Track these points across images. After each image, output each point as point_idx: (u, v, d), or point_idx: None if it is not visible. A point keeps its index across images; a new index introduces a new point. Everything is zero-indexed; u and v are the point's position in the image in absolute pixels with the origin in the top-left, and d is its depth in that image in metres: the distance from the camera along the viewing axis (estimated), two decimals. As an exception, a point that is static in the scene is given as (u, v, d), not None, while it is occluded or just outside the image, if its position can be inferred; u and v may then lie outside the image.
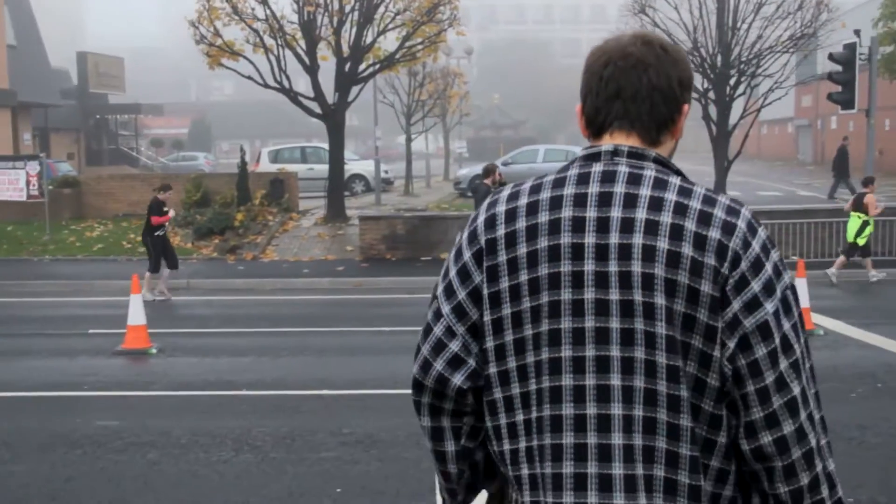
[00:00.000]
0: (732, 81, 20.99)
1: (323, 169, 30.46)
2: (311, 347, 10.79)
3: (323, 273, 17.23)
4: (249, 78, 20.34)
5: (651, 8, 20.91)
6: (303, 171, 28.09)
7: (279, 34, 19.79)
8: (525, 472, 1.63)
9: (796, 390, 1.56)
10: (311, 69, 20.25)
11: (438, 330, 1.70)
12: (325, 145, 31.71)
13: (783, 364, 1.55)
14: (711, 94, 21.09)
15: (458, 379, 1.68)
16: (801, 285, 11.20)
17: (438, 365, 1.69)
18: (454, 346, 1.68)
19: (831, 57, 16.77)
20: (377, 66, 20.87)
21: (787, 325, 1.56)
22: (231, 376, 9.22)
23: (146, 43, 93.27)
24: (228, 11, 19.40)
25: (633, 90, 1.66)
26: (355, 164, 30.80)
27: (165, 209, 14.43)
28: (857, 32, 16.43)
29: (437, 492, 1.95)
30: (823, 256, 17.25)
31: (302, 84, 21.73)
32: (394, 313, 13.51)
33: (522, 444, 1.63)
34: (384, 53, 21.45)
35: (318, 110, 20.97)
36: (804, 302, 11.13)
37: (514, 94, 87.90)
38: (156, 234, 14.41)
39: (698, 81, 21.41)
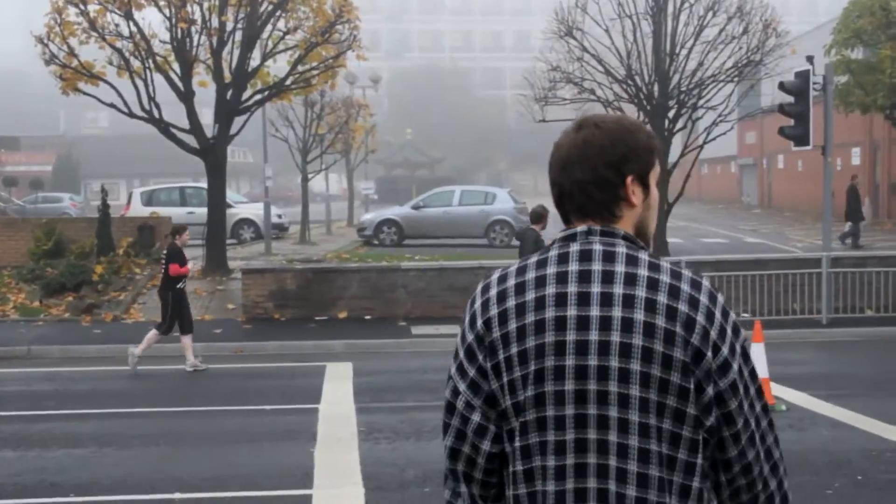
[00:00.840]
0: (671, 114, 20.79)
1: (204, 213, 29.50)
2: (169, 434, 9.73)
3: (196, 337, 16.04)
4: (112, 106, 19.28)
5: (579, 31, 20.65)
6: (181, 216, 26.90)
7: (147, 55, 18.81)
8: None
9: (757, 434, 2.08)
10: (186, 96, 19.31)
11: (460, 405, 2.14)
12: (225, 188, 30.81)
13: (748, 411, 2.05)
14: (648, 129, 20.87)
15: (485, 445, 2.12)
16: (759, 351, 10.66)
17: (470, 434, 2.12)
18: (476, 417, 2.12)
19: (782, 86, 16.60)
20: (265, 94, 20.02)
21: (753, 386, 2.08)
22: (58, 476, 8.12)
23: (8, 64, 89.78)
24: (85, 27, 18.37)
25: (569, 189, 2.13)
26: (244, 208, 29.77)
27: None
28: (810, 59, 16.31)
29: None
30: (779, 314, 16.92)
31: (177, 114, 20.74)
32: (278, 387, 12.53)
33: (522, 490, 2.09)
34: (273, 79, 20.66)
35: (195, 144, 19.98)
36: (762, 372, 10.59)
37: (430, 128, 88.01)
38: (177, 286, 13.52)
39: (633, 113, 21.16)
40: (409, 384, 12.53)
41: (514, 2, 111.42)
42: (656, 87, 20.60)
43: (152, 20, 19.30)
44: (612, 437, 2.00)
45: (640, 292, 2.01)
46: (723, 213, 51.69)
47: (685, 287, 2.02)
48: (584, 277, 2.05)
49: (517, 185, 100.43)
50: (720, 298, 2.06)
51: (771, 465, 2.12)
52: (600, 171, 2.10)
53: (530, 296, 2.07)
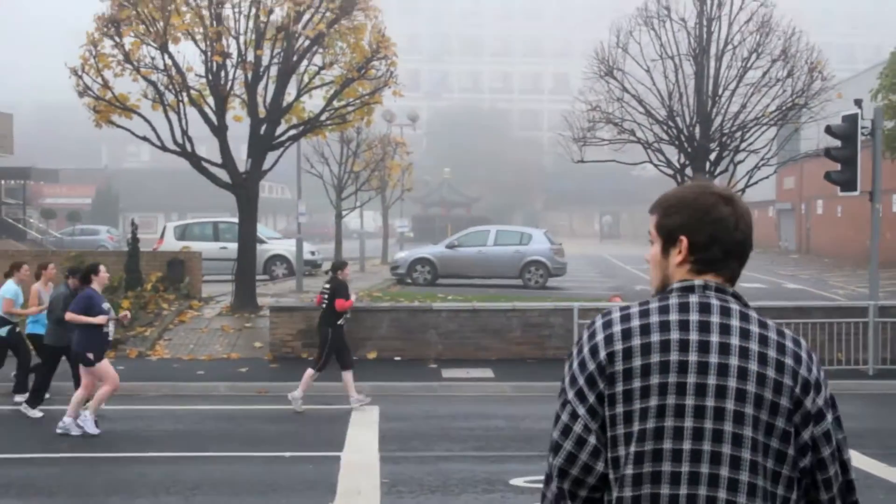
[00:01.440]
0: (713, 156, 20.16)
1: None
2: (179, 482, 9.18)
3: (221, 376, 15.64)
4: (145, 139, 19.01)
5: (620, 71, 20.12)
6: (213, 251, 26.65)
7: (181, 88, 18.53)
8: None
9: (838, 477, 2.35)
10: (219, 130, 18.99)
11: (578, 428, 2.33)
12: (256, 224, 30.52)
13: (833, 454, 2.32)
14: (689, 171, 20.21)
15: (600, 466, 2.32)
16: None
17: (583, 456, 2.32)
18: (592, 440, 2.31)
19: (829, 130, 15.96)
20: (300, 129, 19.66)
21: (839, 432, 2.35)
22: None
23: (54, 98, 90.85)
24: (120, 59, 18.13)
25: (735, 249, 2.45)
26: (277, 244, 29.39)
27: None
28: (858, 103, 15.68)
29: None
30: (823, 364, 16.09)
31: (211, 149, 20.45)
32: (300, 432, 11.98)
33: None
34: (309, 115, 20.32)
35: (227, 179, 19.64)
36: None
37: (467, 168, 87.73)
38: (338, 322, 13.07)
39: (673, 155, 20.55)
40: (436, 431, 11.92)
41: (554, 44, 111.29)
42: (698, 129, 20.00)
43: (187, 53, 19.06)
44: (724, 472, 2.22)
45: (754, 346, 2.29)
46: (760, 258, 50.64)
47: (789, 344, 2.33)
48: (704, 328, 2.31)
49: (553, 224, 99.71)
50: (815, 355, 2.36)
51: (844, 478, 2.38)
52: (750, 240, 2.47)
53: (655, 338, 2.30)
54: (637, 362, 2.29)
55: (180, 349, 17.69)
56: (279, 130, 19.80)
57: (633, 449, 2.27)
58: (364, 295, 23.13)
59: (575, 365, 2.38)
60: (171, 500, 8.60)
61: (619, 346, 2.32)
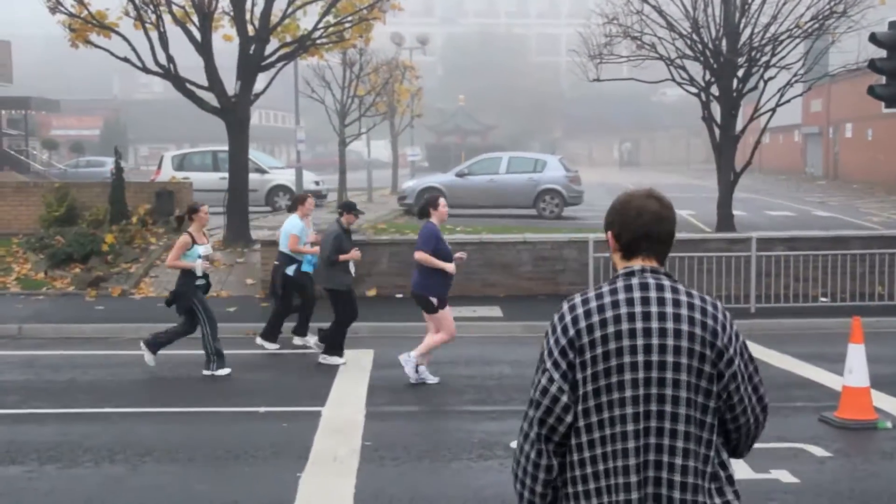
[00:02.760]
0: (741, 73, 18.45)
1: (240, 179, 27.76)
2: (133, 445, 7.95)
3: (206, 316, 14.37)
4: (125, 60, 17.54)
5: (640, -21, 18.37)
6: (213, 181, 25.29)
7: (162, 2, 16.99)
8: (601, 467, 2.97)
9: (747, 399, 3.06)
10: (204, 49, 17.47)
11: (553, 389, 2.98)
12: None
13: (744, 385, 3.03)
14: (714, 90, 18.55)
15: (569, 418, 2.98)
16: (858, 355, 8.56)
17: (557, 410, 2.97)
18: (564, 398, 2.97)
19: (873, 38, 14.27)
20: (293, 48, 18.10)
21: (750, 366, 3.07)
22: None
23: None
24: (93, -29, 16.58)
25: (656, 236, 3.10)
26: (280, 174, 27.96)
27: None
28: (906, 7, 14.01)
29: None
30: (863, 298, 14.71)
31: (200, 73, 18.90)
32: (282, 382, 10.76)
33: (599, 450, 2.96)
34: (304, 33, 18.74)
35: (215, 103, 18.19)
36: (863, 380, 8.53)
37: (483, 95, 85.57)
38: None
39: (698, 72, 18.85)
40: (442, 381, 10.64)
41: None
42: (724, 43, 18.26)
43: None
44: (667, 408, 2.94)
45: (683, 311, 3.00)
46: (786, 185, 48.87)
47: (709, 308, 3.03)
48: (645, 302, 3.01)
49: (572, 153, 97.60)
50: (729, 314, 3.09)
51: (759, 404, 3.12)
52: (673, 230, 3.15)
53: (609, 313, 2.99)
54: (598, 333, 2.98)
55: (167, 287, 16.38)
56: (271, 49, 18.24)
57: (598, 401, 2.95)
58: (368, 227, 21.78)
59: (551, 341, 3.05)
60: (114, 469, 7.37)
61: (583, 324, 2.99)
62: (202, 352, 12.24)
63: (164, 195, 19.20)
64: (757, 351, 12.04)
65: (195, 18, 17.66)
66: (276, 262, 12.47)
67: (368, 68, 28.28)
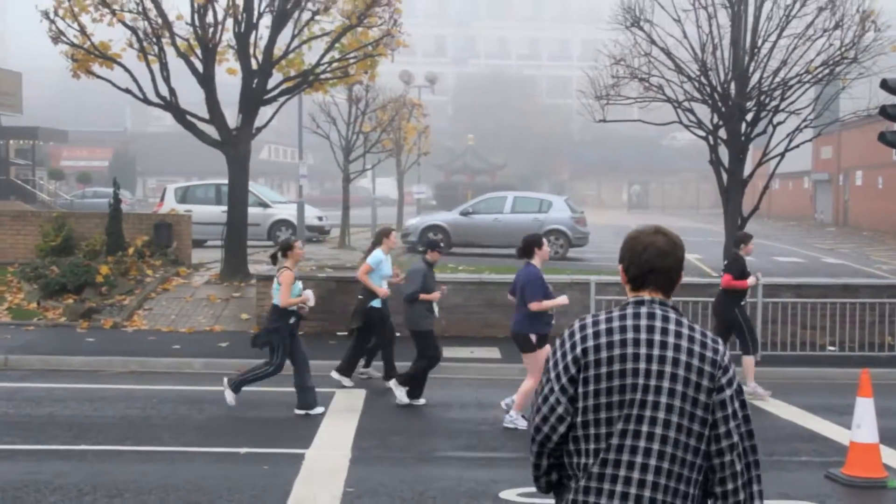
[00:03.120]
0: (749, 117, 18.19)
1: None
2: (102, 486, 7.60)
3: (198, 351, 14.11)
4: (127, 91, 17.41)
5: (647, 21, 18.15)
6: (216, 215, 25.06)
7: (165, 34, 16.87)
8: (596, 477, 3.21)
9: (736, 437, 3.22)
10: (206, 81, 17.31)
11: (552, 399, 3.27)
12: (249, 185, 28.85)
13: (735, 422, 3.20)
14: (722, 133, 18.27)
15: (562, 428, 3.26)
16: (867, 409, 8.20)
17: (552, 419, 3.27)
18: (560, 409, 3.25)
19: (885, 84, 14.03)
20: (296, 82, 17.93)
21: (736, 400, 3.23)
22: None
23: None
24: (97, 2, 16.45)
25: (661, 270, 3.35)
26: (282, 208, 27.73)
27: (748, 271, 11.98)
28: (918, 52, 13.77)
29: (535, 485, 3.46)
30: (873, 349, 14.33)
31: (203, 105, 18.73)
32: (269, 420, 10.39)
33: (592, 459, 3.23)
34: (308, 67, 18.59)
35: (216, 136, 18.01)
36: (871, 436, 8.16)
37: (493, 135, 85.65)
38: (742, 303, 11.98)
39: (706, 115, 18.59)
40: (425, 424, 10.30)
41: (582, 8, 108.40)
42: (733, 86, 18.02)
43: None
44: (658, 431, 3.16)
45: (684, 343, 3.24)
46: (795, 231, 48.51)
47: (710, 342, 3.27)
48: (650, 330, 3.26)
49: (580, 195, 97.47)
50: (728, 352, 3.31)
51: (744, 464, 3.23)
52: (679, 266, 3.38)
53: (616, 337, 3.24)
54: (604, 354, 3.24)
55: (160, 320, 16.16)
56: (275, 83, 18.08)
57: (603, 415, 3.21)
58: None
59: (558, 355, 3.32)
60: (83, 511, 7.03)
61: (591, 343, 3.26)
62: (192, 388, 11.95)
63: (163, 227, 18.96)
64: (762, 401, 11.67)
65: (198, 51, 17.51)
66: (359, 297, 12.34)
67: (374, 105, 28.13)
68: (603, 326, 3.24)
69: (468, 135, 72.86)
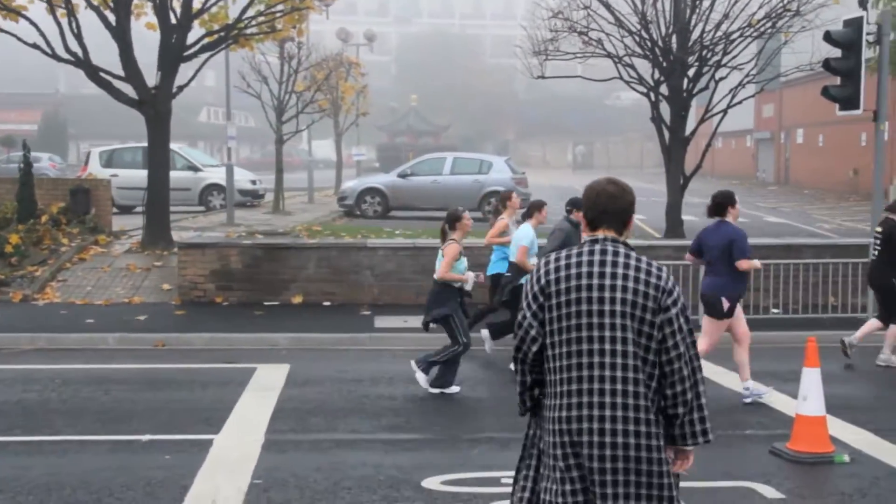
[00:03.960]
0: (691, 72, 17.62)
1: (174, 178, 26.40)
2: (-19, 484, 6.81)
3: (114, 325, 13.24)
4: (35, 46, 16.28)
5: (586, -26, 17.43)
6: (144, 179, 23.92)
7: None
8: (555, 401, 3.93)
9: (683, 348, 3.88)
10: (121, 36, 16.25)
11: (525, 323, 3.99)
12: (177, 147, 27.74)
13: (681, 336, 3.85)
14: (664, 89, 17.69)
15: (535, 347, 3.98)
16: (813, 380, 7.68)
17: (528, 339, 3.99)
18: (532, 332, 3.97)
19: (828, 37, 13.52)
20: (215, 37, 16.93)
21: (682, 317, 3.87)
22: None
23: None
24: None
25: (611, 211, 4.04)
26: (214, 172, 26.70)
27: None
28: (863, 3, 13.25)
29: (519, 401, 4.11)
30: (816, 310, 13.93)
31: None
32: (179, 401, 9.61)
33: (560, 372, 3.92)
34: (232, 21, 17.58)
35: (134, 95, 17.00)
36: (818, 409, 7.66)
37: (438, 96, 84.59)
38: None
39: (647, 70, 17.99)
40: (349, 402, 9.60)
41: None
42: (675, 40, 17.42)
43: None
44: (607, 346, 3.86)
45: (631, 272, 3.89)
46: (738, 190, 48.32)
47: (654, 270, 3.92)
48: (602, 264, 3.93)
49: (525, 155, 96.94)
50: (672, 278, 3.95)
51: (690, 369, 3.93)
52: (628, 208, 4.08)
53: (573, 270, 3.94)
54: (563, 285, 3.94)
55: (75, 292, 15.22)
56: (196, 38, 17.07)
57: (562, 336, 3.92)
58: (301, 229, 20.67)
59: (528, 287, 4.05)
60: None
61: (553, 276, 3.97)
62: (102, 366, 11.13)
63: (80, 193, 17.93)
64: (705, 369, 11.15)
65: (112, 2, 16.43)
66: (507, 274, 11.36)
67: (307, 63, 27.09)
68: (563, 262, 3.97)
69: (412, 95, 71.79)
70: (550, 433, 3.88)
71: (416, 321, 13.68)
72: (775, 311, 14.05)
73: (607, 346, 3.83)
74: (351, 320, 13.85)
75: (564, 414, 3.83)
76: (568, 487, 3.84)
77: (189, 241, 15.60)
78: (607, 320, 3.83)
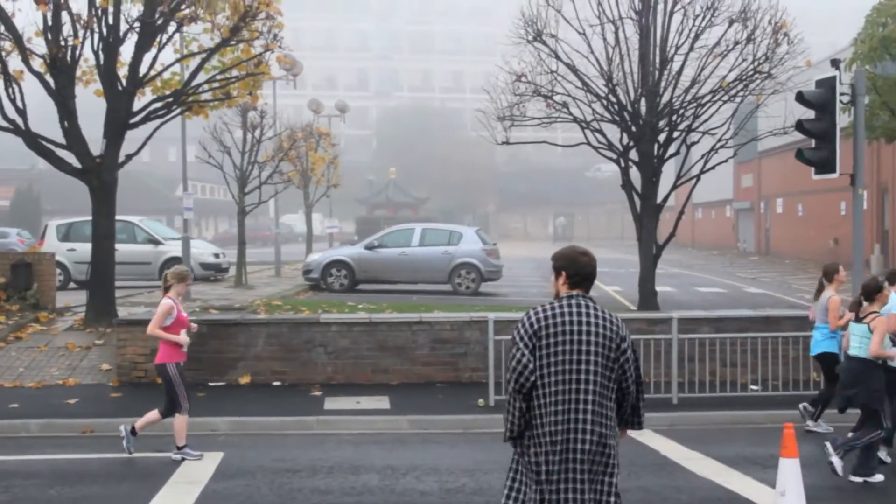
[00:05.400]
0: (662, 137, 16.94)
1: (134, 251, 25.56)
2: None
3: (40, 410, 12.18)
4: (-28, 115, 15.49)
5: (550, 36, 16.81)
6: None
7: (8, 49, 15.06)
8: (546, 418, 5.11)
9: (631, 371, 5.25)
10: (62, 103, 15.48)
11: (524, 359, 5.05)
12: (138, 219, 26.91)
13: (630, 367, 5.22)
14: (634, 154, 16.98)
15: (532, 379, 5.05)
16: (792, 472, 6.74)
17: (526, 373, 5.04)
18: (530, 366, 5.05)
19: (800, 97, 12.87)
20: (163, 103, 16.18)
21: (630, 352, 5.22)
22: None
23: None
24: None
25: (588, 278, 5.31)
26: (174, 245, 25.77)
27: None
28: (836, 64, 12.63)
29: (505, 429, 5.20)
30: (797, 387, 13.00)
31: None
32: (93, 498, 8.56)
33: (543, 406, 5.10)
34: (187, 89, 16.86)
35: (77, 164, 16.18)
36: (800, 506, 6.71)
37: (417, 169, 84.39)
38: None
39: (616, 136, 17.31)
40: (278, 497, 8.58)
41: (505, 44, 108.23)
42: (643, 104, 16.77)
43: (28, 9, 15.56)
44: (585, 377, 5.05)
45: (600, 321, 5.11)
46: (719, 260, 47.88)
47: (615, 320, 5.16)
48: (580, 315, 5.11)
49: (506, 227, 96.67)
50: (625, 327, 5.25)
51: (638, 379, 5.26)
52: (595, 273, 5.31)
53: (558, 319, 5.08)
54: (551, 330, 5.07)
55: (5, 374, 14.17)
56: (143, 104, 16.31)
57: (552, 368, 5.06)
58: (259, 304, 19.70)
59: (521, 331, 5.13)
60: None
61: (542, 322, 5.10)
62: (14, 457, 10.06)
63: (21, 267, 16.99)
64: (677, 453, 10.22)
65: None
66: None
67: (270, 132, 26.38)
68: (549, 312, 5.13)
69: (390, 168, 71.42)
70: (541, 443, 5.08)
71: (369, 402, 12.74)
72: (754, 387, 13.12)
73: (587, 375, 5.08)
74: (300, 402, 12.85)
75: (557, 420, 5.06)
76: (545, 485, 5.09)
77: (128, 318, 14.63)
78: (584, 357, 5.07)
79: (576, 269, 5.20)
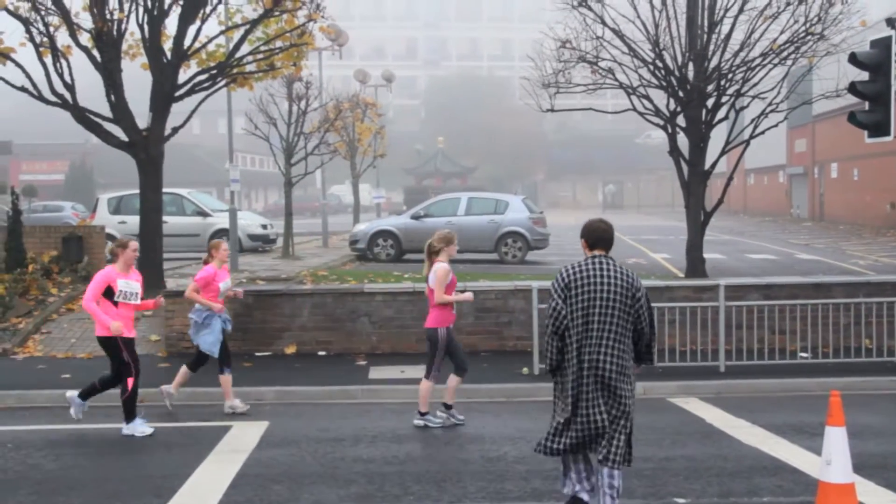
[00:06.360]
0: (710, 102, 16.63)
1: (182, 223, 25.83)
2: None
3: (90, 380, 12.25)
4: (23, 89, 15.71)
5: (596, 1, 16.55)
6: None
7: (55, 23, 15.21)
8: (576, 352, 6.71)
9: (645, 316, 6.79)
10: (108, 77, 15.62)
11: (559, 306, 6.65)
12: (186, 192, 27.15)
13: (644, 313, 6.75)
14: (681, 121, 16.71)
15: (564, 321, 6.65)
16: (838, 439, 6.61)
17: (560, 317, 6.65)
18: (564, 311, 6.65)
19: (854, 59, 12.54)
20: (207, 76, 16.24)
21: (645, 300, 6.76)
22: None
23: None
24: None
25: (608, 240, 6.87)
26: (224, 217, 25.98)
27: None
28: (891, 23, 12.24)
29: (546, 363, 6.76)
30: (849, 354, 12.76)
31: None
32: (136, 466, 8.70)
33: (574, 343, 6.69)
34: (235, 62, 16.91)
35: (124, 136, 16.34)
36: (845, 475, 6.57)
37: (466, 138, 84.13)
38: None
39: (662, 101, 17.03)
40: (321, 465, 8.64)
41: (551, 10, 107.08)
42: (691, 69, 16.46)
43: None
44: (607, 320, 6.57)
45: (619, 277, 6.63)
46: (771, 227, 47.14)
47: (633, 276, 6.70)
48: (602, 270, 6.62)
49: (555, 195, 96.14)
50: (641, 281, 6.77)
51: (650, 328, 6.75)
52: (612, 237, 6.85)
53: (584, 274, 6.59)
54: (579, 283, 6.54)
55: (58, 345, 14.45)
56: (188, 76, 16.40)
57: (578, 313, 6.55)
58: (306, 274, 19.83)
59: (555, 286, 6.61)
60: None
61: (571, 277, 6.58)
62: (64, 426, 10.25)
63: (73, 241, 17.24)
64: (723, 421, 10.11)
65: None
66: None
67: (315, 103, 26.40)
68: (577, 269, 6.59)
69: (438, 137, 71.27)
70: (572, 371, 6.60)
71: (414, 371, 12.76)
72: (804, 355, 12.90)
73: (608, 317, 6.53)
74: (345, 371, 12.92)
75: (584, 352, 6.55)
76: (582, 398, 6.62)
77: (177, 289, 14.79)
78: (605, 302, 6.50)
79: (591, 234, 6.73)
